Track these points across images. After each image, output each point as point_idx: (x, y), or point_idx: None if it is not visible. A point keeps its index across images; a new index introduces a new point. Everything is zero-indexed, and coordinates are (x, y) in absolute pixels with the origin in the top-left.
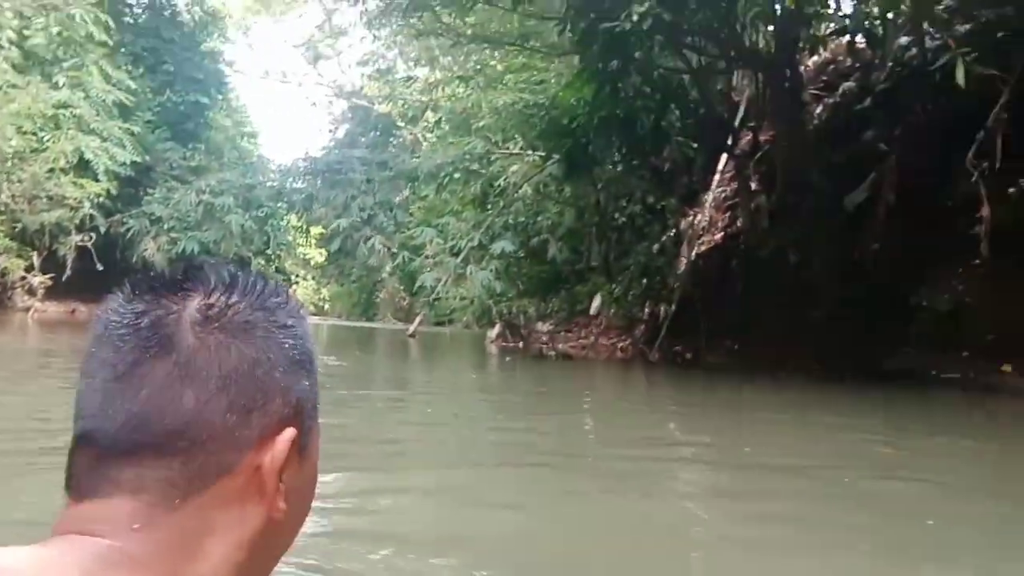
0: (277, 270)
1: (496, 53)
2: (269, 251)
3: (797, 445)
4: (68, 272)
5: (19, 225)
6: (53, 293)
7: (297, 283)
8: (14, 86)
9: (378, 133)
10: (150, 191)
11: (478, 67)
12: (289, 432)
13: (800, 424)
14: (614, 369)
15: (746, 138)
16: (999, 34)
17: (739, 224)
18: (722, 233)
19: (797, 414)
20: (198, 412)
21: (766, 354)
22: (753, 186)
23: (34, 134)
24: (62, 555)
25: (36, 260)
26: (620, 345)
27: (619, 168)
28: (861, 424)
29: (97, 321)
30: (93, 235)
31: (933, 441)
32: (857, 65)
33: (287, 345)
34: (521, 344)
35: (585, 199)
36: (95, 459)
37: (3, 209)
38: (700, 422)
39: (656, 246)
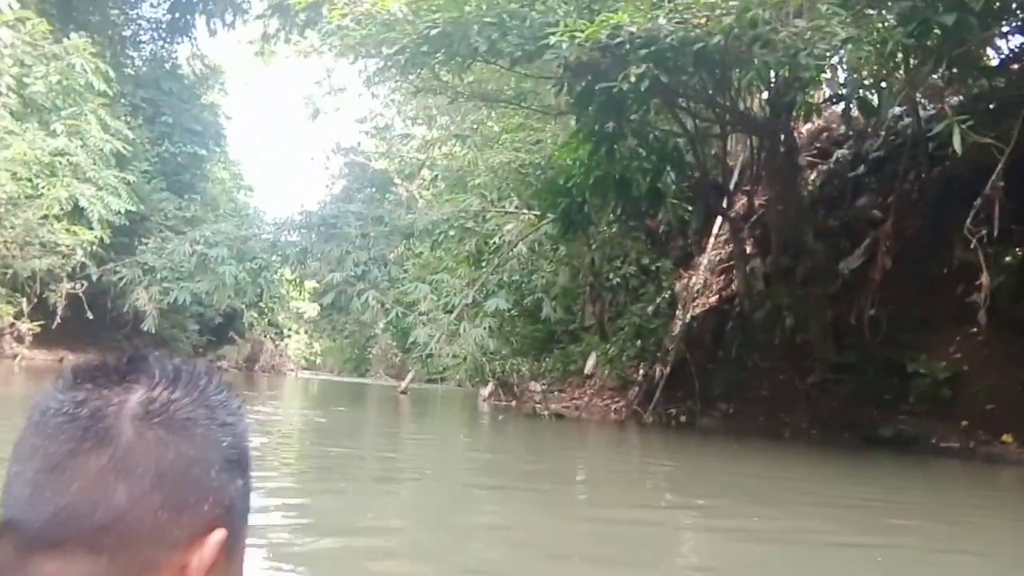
0: (270, 323)
1: (493, 113)
2: (262, 303)
3: (806, 515)
4: (58, 320)
5: (10, 271)
6: (42, 341)
7: (289, 336)
8: (11, 132)
9: (374, 189)
10: (144, 240)
11: (475, 126)
12: (219, 534)
13: (801, 492)
14: (607, 430)
15: (741, 201)
16: (991, 104)
17: (734, 287)
18: (717, 295)
19: (799, 482)
20: (130, 508)
21: (760, 418)
22: (748, 249)
23: (29, 180)
24: None
25: (25, 307)
26: (614, 406)
27: (614, 229)
28: (864, 494)
29: (35, 407)
30: (85, 283)
31: (954, 513)
32: (851, 133)
33: (225, 444)
34: (514, 403)
35: (580, 259)
36: (20, 549)
37: None
38: (696, 487)
39: (651, 307)
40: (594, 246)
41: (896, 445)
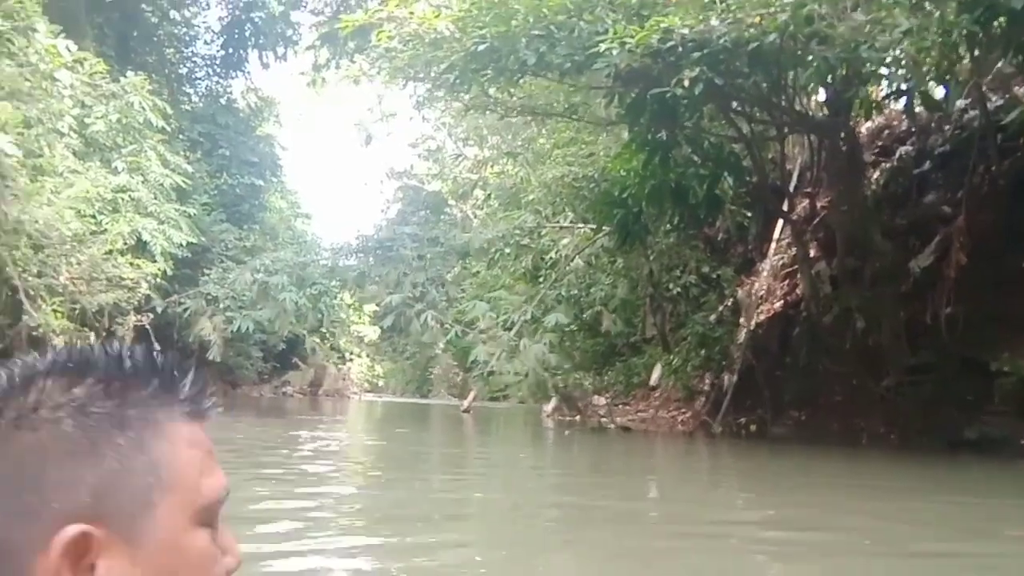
0: (332, 347)
1: (544, 129)
2: (323, 328)
3: (897, 522)
4: None
5: (77, 307)
6: None
7: (351, 360)
8: (75, 171)
9: (428, 211)
10: (206, 271)
11: (526, 143)
12: (66, 532)
13: (887, 499)
14: (676, 442)
15: (802, 204)
16: None
17: (799, 291)
18: (782, 301)
19: (883, 489)
20: None
21: (834, 424)
22: (812, 252)
23: (93, 217)
24: None
25: (94, 341)
26: (680, 417)
27: (671, 238)
28: (956, 499)
29: None
30: (151, 315)
31: None
32: (914, 129)
33: (68, 430)
34: (578, 417)
35: (638, 270)
36: None
37: (61, 291)
38: (774, 498)
39: (713, 316)
40: (652, 256)
41: (981, 448)
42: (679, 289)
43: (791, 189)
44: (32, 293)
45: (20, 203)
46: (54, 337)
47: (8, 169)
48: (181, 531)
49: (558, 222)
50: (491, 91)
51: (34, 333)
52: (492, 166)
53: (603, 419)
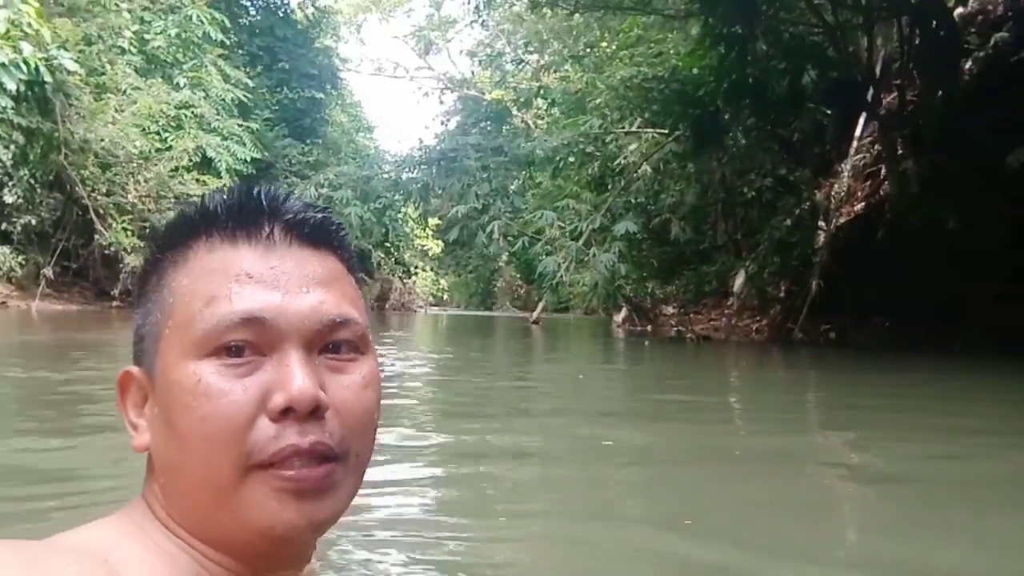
0: (397, 262)
1: (606, 33)
2: (388, 243)
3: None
4: None
5: (147, 224)
6: None
7: (416, 274)
8: (137, 88)
9: (490, 121)
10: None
11: (589, 48)
12: (121, 375)
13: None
14: (752, 351)
15: (889, 97)
16: None
17: (884, 192)
18: (864, 203)
19: (993, 403)
20: None
21: (922, 331)
22: (899, 149)
23: (157, 134)
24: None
25: None
26: (755, 326)
27: (744, 141)
28: None
29: None
30: None
31: None
32: (1010, 14)
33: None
34: (649, 327)
35: (709, 175)
36: None
37: (130, 209)
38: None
39: (790, 220)
40: (724, 160)
41: None
42: (753, 193)
43: (878, 82)
44: (102, 212)
45: (85, 122)
46: (125, 255)
47: (71, 87)
48: (172, 364)
49: (624, 127)
50: None
51: (106, 252)
52: (554, 72)
53: (678, 329)
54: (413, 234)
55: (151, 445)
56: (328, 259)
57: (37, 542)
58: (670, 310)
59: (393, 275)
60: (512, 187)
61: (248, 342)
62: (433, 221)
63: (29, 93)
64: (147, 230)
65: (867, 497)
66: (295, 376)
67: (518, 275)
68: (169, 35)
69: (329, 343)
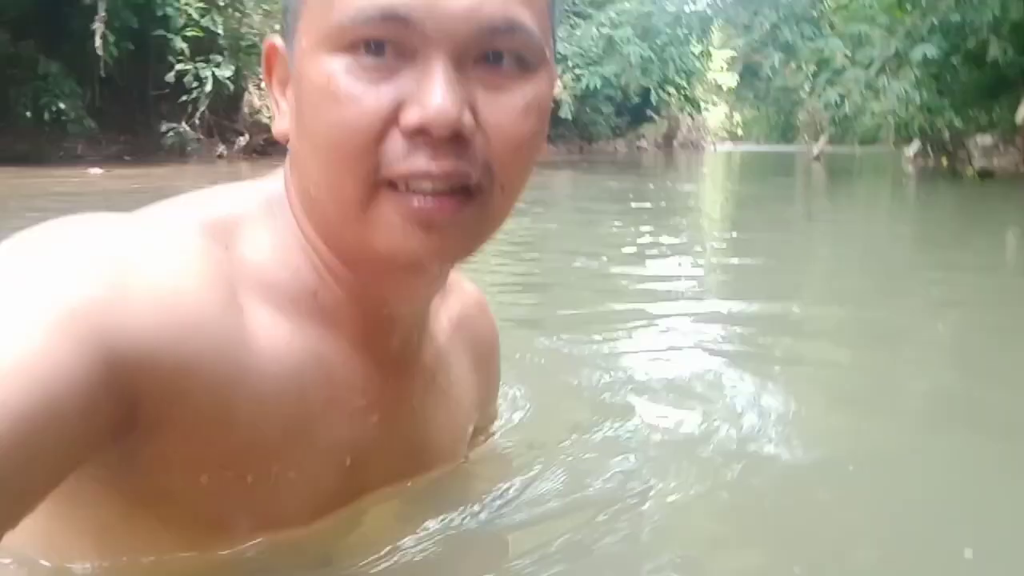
0: (686, 98)
1: None
2: (675, 79)
3: None
4: None
5: None
6: None
7: (708, 110)
8: None
9: None
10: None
11: None
12: (267, 44)
13: None
14: None
15: None
16: None
17: None
18: None
19: None
20: None
21: None
22: None
23: None
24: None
25: None
26: None
27: None
28: None
29: None
30: None
31: None
32: None
33: None
34: (946, 164)
35: None
36: None
37: None
38: None
39: None
40: None
41: None
42: None
43: None
44: None
45: None
46: None
47: None
48: (305, 53)
49: None
50: None
51: None
52: None
53: (980, 166)
54: (704, 68)
55: (289, 134)
56: None
57: (165, 217)
58: (978, 144)
59: (682, 111)
60: (803, 13)
61: (390, 40)
62: (726, 55)
63: None
64: None
65: None
66: (435, 92)
67: (821, 106)
68: None
69: (489, 53)
